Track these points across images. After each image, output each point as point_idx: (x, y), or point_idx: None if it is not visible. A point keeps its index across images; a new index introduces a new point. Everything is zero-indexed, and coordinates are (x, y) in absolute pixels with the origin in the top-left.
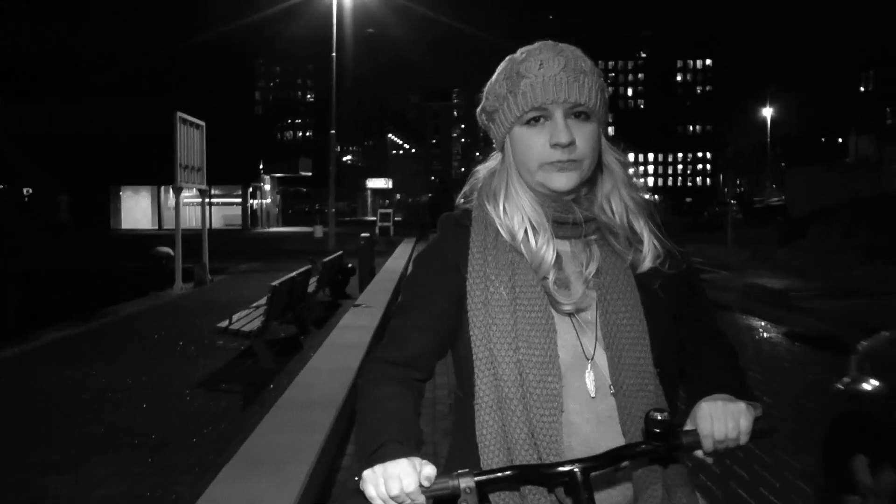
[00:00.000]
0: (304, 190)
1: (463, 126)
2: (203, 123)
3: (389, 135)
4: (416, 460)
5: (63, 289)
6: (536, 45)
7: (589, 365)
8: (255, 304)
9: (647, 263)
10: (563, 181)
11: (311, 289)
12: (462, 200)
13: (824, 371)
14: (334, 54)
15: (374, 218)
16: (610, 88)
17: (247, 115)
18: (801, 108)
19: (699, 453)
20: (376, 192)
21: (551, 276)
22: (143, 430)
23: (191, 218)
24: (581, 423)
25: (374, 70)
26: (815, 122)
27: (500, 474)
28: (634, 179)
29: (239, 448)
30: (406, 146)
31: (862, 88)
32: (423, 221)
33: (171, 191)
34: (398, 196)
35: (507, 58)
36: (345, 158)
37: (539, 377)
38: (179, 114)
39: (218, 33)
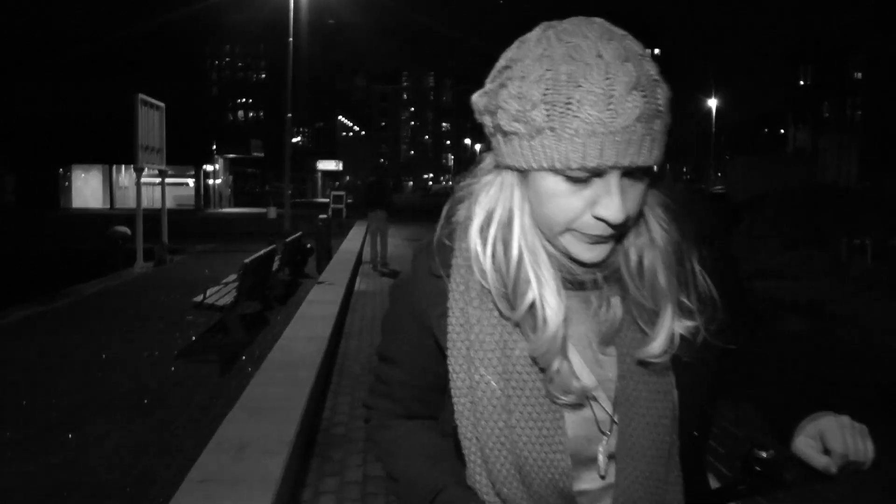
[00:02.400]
0: (257, 171)
1: (412, 109)
2: (162, 105)
3: (339, 117)
4: None
5: (19, 269)
6: (588, 38)
7: (604, 440)
8: (224, 281)
9: (654, 348)
10: (594, 255)
11: (274, 267)
12: (443, 224)
13: None
14: (291, 39)
15: (325, 200)
16: None
17: (200, 96)
18: (745, 99)
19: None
20: (326, 174)
21: (554, 366)
22: (133, 394)
23: (144, 198)
24: (590, 490)
25: (325, 52)
26: (757, 112)
27: None
28: (674, 244)
29: (235, 402)
30: (356, 128)
31: (801, 82)
32: (360, 203)
33: (122, 170)
34: (347, 178)
35: (543, 40)
36: (295, 140)
37: (544, 476)
38: (140, 95)
39: (170, 14)
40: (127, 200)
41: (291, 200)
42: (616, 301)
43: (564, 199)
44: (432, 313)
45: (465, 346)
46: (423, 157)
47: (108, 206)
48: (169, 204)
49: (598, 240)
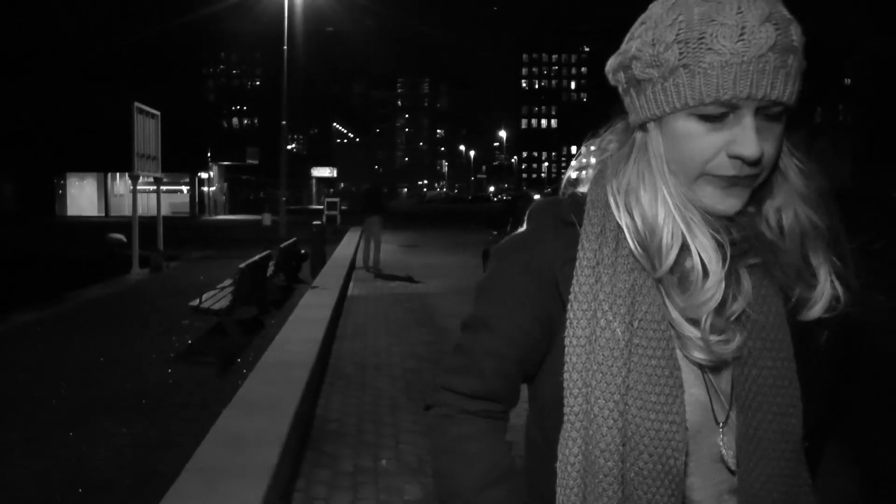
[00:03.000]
0: (252, 178)
1: (407, 115)
2: (158, 113)
3: (334, 124)
4: None
5: (16, 275)
6: None
7: (721, 431)
8: (220, 286)
9: (816, 311)
10: (730, 203)
11: (269, 273)
12: (570, 180)
13: None
14: (286, 48)
15: (319, 206)
16: (553, 82)
17: (195, 104)
18: None
19: None
20: (321, 180)
21: (706, 321)
22: (134, 395)
23: (139, 205)
24: (703, 499)
25: (322, 59)
26: None
27: None
28: (817, 194)
29: (231, 399)
30: (350, 135)
31: None
32: (358, 210)
33: (117, 178)
34: (342, 185)
35: None
36: (290, 147)
37: (654, 450)
38: (137, 104)
39: (168, 23)
40: (121, 208)
41: (286, 207)
42: (747, 280)
43: (700, 139)
44: (558, 261)
45: (592, 290)
46: (418, 164)
47: (103, 214)
48: (164, 211)
49: (733, 182)
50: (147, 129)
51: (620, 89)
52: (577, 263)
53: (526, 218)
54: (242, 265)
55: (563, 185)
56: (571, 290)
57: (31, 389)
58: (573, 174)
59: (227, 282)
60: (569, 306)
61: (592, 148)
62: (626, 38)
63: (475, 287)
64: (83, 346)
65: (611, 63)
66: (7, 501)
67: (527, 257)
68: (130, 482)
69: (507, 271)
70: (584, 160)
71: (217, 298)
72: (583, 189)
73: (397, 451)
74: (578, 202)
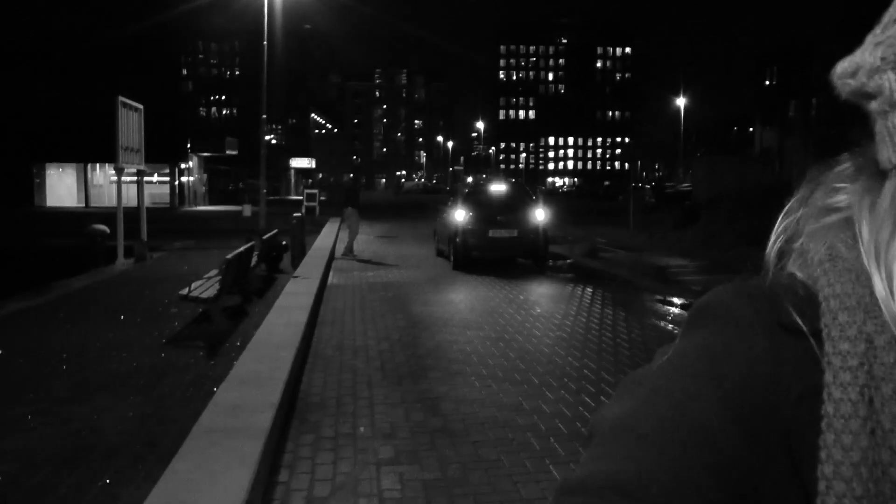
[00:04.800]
0: (231, 169)
1: (385, 106)
2: (141, 107)
3: (312, 114)
4: None
5: (2, 264)
6: None
7: None
8: (207, 276)
9: None
10: None
11: (252, 263)
12: (777, 253)
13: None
14: (265, 42)
15: (298, 197)
16: (531, 74)
17: (174, 95)
18: (715, 99)
19: None
20: (300, 171)
21: None
22: (130, 375)
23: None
24: None
25: (300, 52)
26: (728, 112)
27: None
28: None
29: (222, 381)
30: (328, 126)
31: (767, 82)
32: (340, 201)
33: (97, 168)
34: (321, 175)
35: None
36: (268, 137)
37: None
38: (121, 98)
39: (146, 13)
40: (101, 198)
41: (266, 198)
42: None
43: None
44: (787, 396)
45: (870, 453)
46: (395, 155)
47: (83, 205)
48: (145, 201)
49: None
50: (130, 122)
51: (871, 108)
52: (826, 404)
53: (696, 316)
54: (229, 256)
55: (767, 262)
56: (824, 449)
57: (33, 371)
58: (778, 245)
59: (213, 272)
60: (820, 475)
61: (807, 206)
62: (884, 23)
63: (623, 385)
64: (76, 332)
65: (851, 63)
66: (26, 464)
67: (726, 383)
68: (136, 448)
69: (689, 395)
70: (797, 224)
71: (204, 287)
72: (798, 272)
73: (372, 419)
74: (807, 298)
